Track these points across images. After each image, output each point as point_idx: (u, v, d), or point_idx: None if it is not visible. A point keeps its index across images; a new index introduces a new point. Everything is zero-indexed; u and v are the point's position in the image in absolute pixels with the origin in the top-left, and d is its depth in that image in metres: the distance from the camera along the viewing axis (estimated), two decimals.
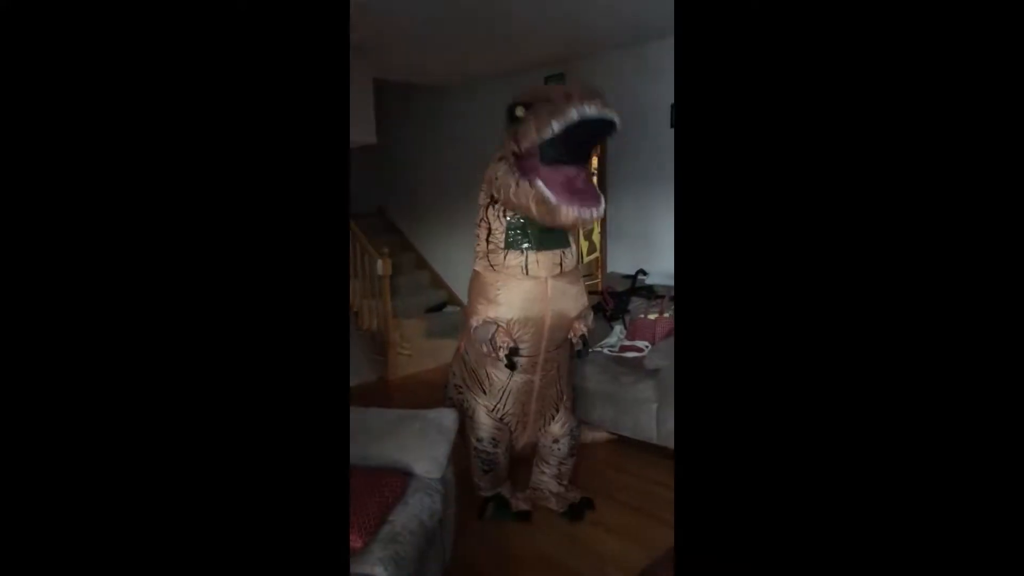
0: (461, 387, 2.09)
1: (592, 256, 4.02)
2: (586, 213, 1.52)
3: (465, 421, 1.99)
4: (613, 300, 3.05)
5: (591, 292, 3.97)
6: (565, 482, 2.13)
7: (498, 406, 1.96)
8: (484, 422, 1.98)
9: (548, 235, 1.74)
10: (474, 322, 1.83)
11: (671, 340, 2.56)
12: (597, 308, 3.25)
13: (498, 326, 1.78)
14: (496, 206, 1.75)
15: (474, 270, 1.89)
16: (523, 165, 1.58)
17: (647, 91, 3.12)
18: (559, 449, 2.08)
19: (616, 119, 1.43)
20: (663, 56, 3.02)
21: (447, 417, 1.75)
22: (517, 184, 1.59)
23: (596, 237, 3.94)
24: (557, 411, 2.07)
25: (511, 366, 1.77)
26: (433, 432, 1.67)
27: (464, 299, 4.46)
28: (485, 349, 1.81)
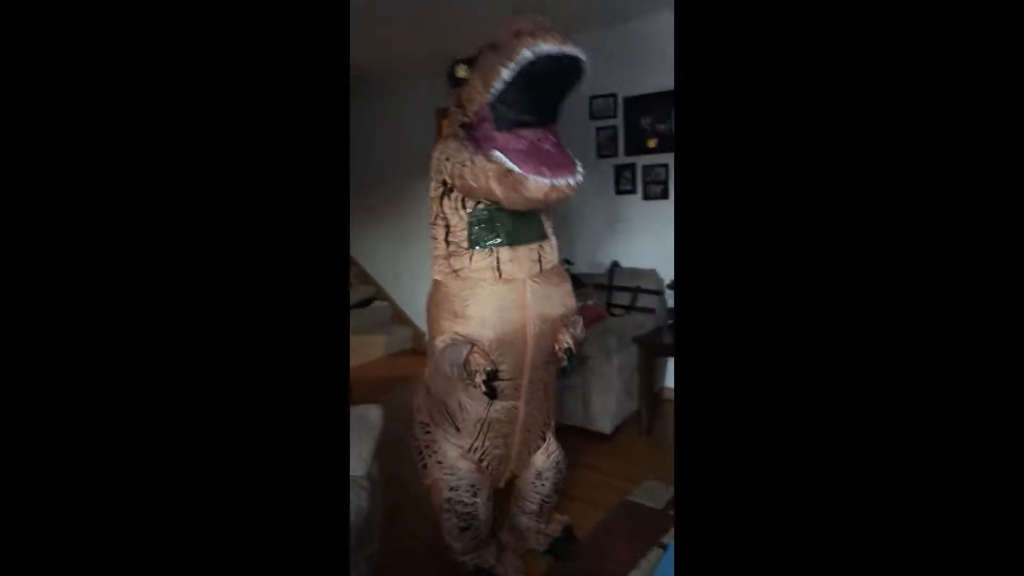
0: (428, 425, 1.66)
1: None
2: (560, 182, 1.17)
3: (432, 467, 1.63)
4: None
5: None
6: (545, 519, 1.80)
7: (475, 444, 1.56)
8: (458, 467, 1.56)
9: (522, 226, 1.40)
10: (439, 343, 1.44)
11: (595, 328, 2.63)
12: None
13: (471, 345, 1.39)
14: (452, 196, 1.39)
15: (434, 280, 1.51)
16: (476, 137, 1.26)
17: None
18: (542, 485, 1.71)
19: (582, 56, 1.14)
20: (582, 48, 3.07)
21: (372, 413, 1.72)
22: (472, 161, 1.25)
23: None
24: (543, 440, 1.70)
25: (491, 393, 1.38)
26: (358, 428, 1.64)
27: (393, 294, 4.41)
28: (456, 375, 1.43)
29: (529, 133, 1.23)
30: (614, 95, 3.05)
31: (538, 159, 1.19)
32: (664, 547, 1.79)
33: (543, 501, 1.73)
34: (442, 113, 3.72)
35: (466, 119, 1.28)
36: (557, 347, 1.51)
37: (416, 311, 4.26)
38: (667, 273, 2.94)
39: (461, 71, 1.29)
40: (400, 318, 4.36)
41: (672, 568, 1.68)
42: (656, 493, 2.12)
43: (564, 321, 1.50)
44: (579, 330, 1.56)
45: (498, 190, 1.23)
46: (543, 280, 1.44)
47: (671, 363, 3.03)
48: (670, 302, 2.90)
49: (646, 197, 3.05)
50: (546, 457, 1.70)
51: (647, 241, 3.07)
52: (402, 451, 2.31)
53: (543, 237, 1.47)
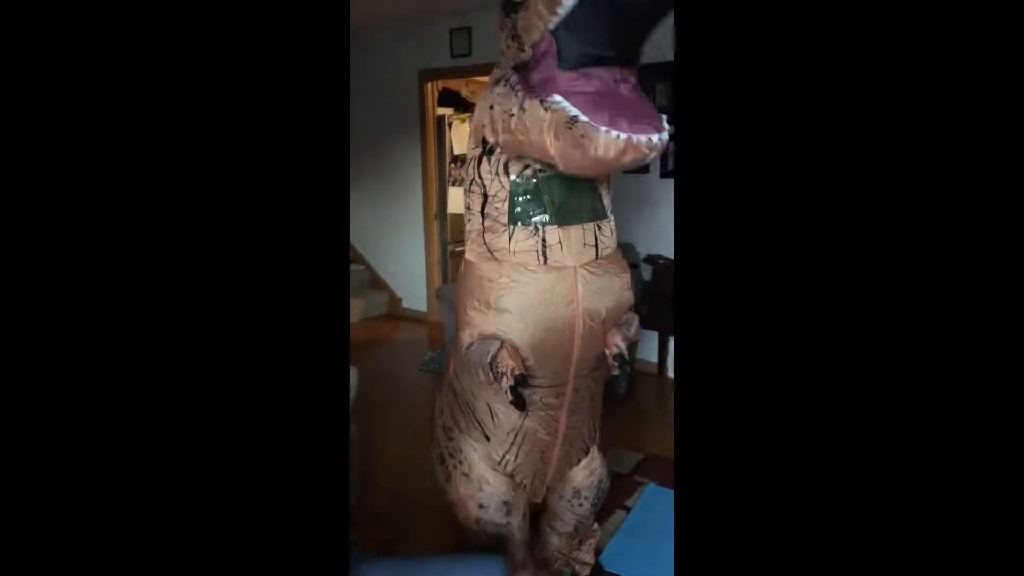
0: (452, 430, 1.39)
1: None
2: (641, 138, 0.89)
3: (457, 479, 1.36)
4: None
5: None
6: (579, 544, 1.55)
7: (508, 456, 1.31)
8: (488, 480, 1.31)
9: (575, 200, 1.14)
10: (466, 337, 1.20)
11: None
12: None
13: (501, 343, 1.15)
14: (493, 159, 1.12)
15: (465, 259, 1.25)
16: (531, 80, 0.98)
17: None
18: (580, 505, 1.45)
19: None
20: None
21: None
22: (522, 108, 0.98)
23: None
24: (586, 453, 1.44)
25: (519, 403, 1.15)
26: None
27: (370, 258, 4.37)
28: (481, 377, 1.18)
29: (603, 74, 0.93)
30: None
31: (613, 107, 0.91)
32: (627, 509, 1.87)
33: (580, 522, 1.49)
34: (425, 75, 3.65)
35: (521, 56, 0.98)
36: (607, 350, 1.23)
37: (393, 275, 4.25)
38: (643, 247, 2.98)
39: None
40: (377, 282, 4.34)
41: (634, 528, 1.77)
42: (623, 459, 2.19)
43: (618, 319, 1.24)
44: (633, 330, 1.28)
45: (554, 147, 0.95)
46: (598, 269, 1.17)
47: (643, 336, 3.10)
48: (645, 275, 2.95)
49: (625, 171, 3.05)
50: (588, 473, 1.45)
51: (625, 215, 3.09)
52: (374, 415, 2.34)
53: (601, 216, 1.20)
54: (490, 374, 1.15)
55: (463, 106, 4.04)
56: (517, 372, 1.12)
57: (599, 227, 1.19)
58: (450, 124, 3.81)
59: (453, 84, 3.94)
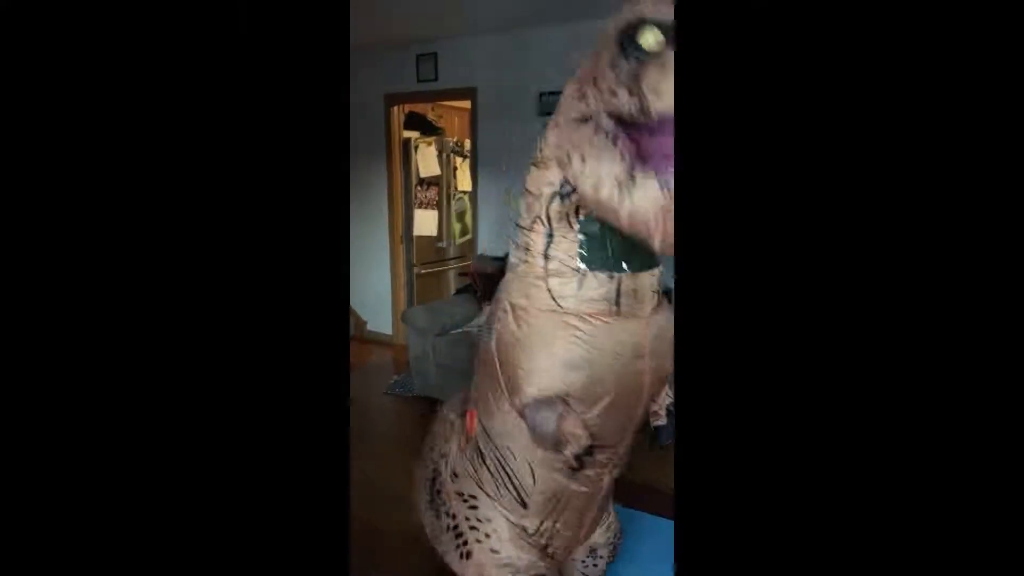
0: (475, 496, 1.22)
1: (465, 238, 4.06)
2: None
3: (480, 555, 1.18)
4: (483, 282, 3.12)
5: (462, 274, 3.97)
6: None
7: (544, 526, 1.16)
8: (519, 557, 1.15)
9: (636, 246, 0.99)
10: (533, 395, 1.03)
11: None
12: (468, 289, 3.31)
13: (565, 405, 1.01)
14: (566, 200, 1.00)
15: (511, 304, 1.10)
16: (644, 144, 0.87)
17: (518, 77, 3.19)
18: (595, 565, 1.31)
19: None
20: (535, 44, 3.10)
21: None
22: (632, 180, 0.85)
23: (468, 219, 3.97)
24: (607, 512, 1.35)
25: (579, 465, 1.02)
26: None
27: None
28: (543, 447, 1.05)
29: None
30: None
31: None
32: None
33: None
34: (391, 99, 3.67)
35: (636, 109, 0.85)
36: (656, 403, 1.13)
37: (359, 298, 4.20)
38: None
39: (652, 39, 0.83)
40: None
41: None
42: None
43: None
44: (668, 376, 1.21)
45: (664, 232, 0.84)
46: (662, 316, 1.07)
47: None
48: None
49: None
50: (604, 529, 1.31)
51: None
52: None
53: (657, 262, 1.08)
54: (553, 444, 1.01)
55: (429, 129, 4.07)
56: (585, 443, 0.99)
57: (657, 274, 1.09)
58: (416, 147, 3.83)
59: (419, 108, 3.97)
